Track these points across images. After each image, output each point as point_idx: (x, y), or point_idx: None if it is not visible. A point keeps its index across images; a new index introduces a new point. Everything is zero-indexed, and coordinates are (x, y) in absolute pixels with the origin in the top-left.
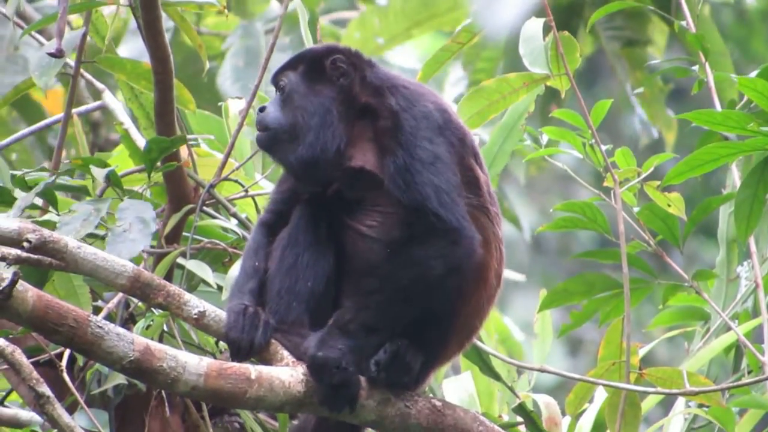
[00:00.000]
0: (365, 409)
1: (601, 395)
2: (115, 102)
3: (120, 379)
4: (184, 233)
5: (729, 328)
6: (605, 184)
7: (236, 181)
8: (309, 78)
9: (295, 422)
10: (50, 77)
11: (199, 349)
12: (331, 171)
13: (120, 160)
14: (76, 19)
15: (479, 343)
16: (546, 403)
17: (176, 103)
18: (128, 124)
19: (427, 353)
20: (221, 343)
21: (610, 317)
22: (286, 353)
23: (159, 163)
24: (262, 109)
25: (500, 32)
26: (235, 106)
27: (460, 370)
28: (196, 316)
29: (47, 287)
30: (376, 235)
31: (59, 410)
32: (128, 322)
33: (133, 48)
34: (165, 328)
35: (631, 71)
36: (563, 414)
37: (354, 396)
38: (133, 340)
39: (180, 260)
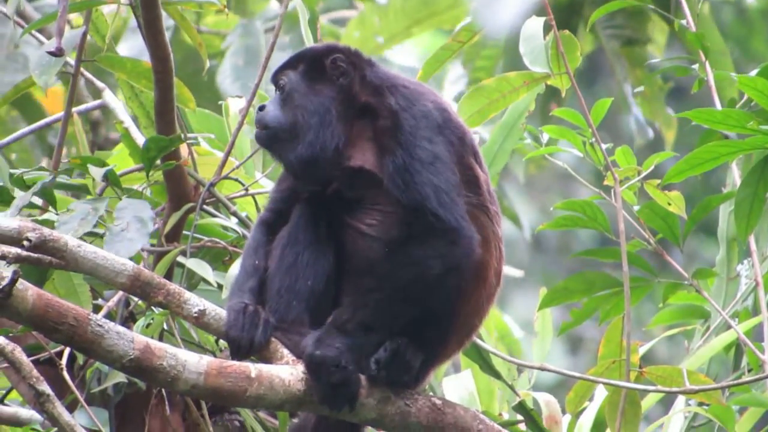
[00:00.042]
0: (365, 408)
1: (601, 393)
2: (116, 101)
3: (120, 377)
4: (184, 232)
5: (729, 327)
6: (605, 182)
7: (236, 180)
8: (309, 77)
9: (295, 420)
10: (50, 76)
11: (199, 348)
12: (330, 170)
13: (120, 159)
14: (76, 18)
15: (479, 342)
16: (546, 402)
17: (176, 102)
18: (128, 122)
19: (427, 352)
20: (221, 342)
21: (610, 315)
22: (286, 352)
23: (159, 162)
24: (261, 108)
25: (500, 31)
26: (235, 105)
27: (460, 369)
28: (196, 315)
29: (47, 286)
30: (376, 234)
31: (59, 408)
32: (128, 320)
33: (133, 46)
34: (165, 327)
35: (630, 70)
36: (563, 412)
37: (354, 394)
38: (133, 339)
39: (180, 259)
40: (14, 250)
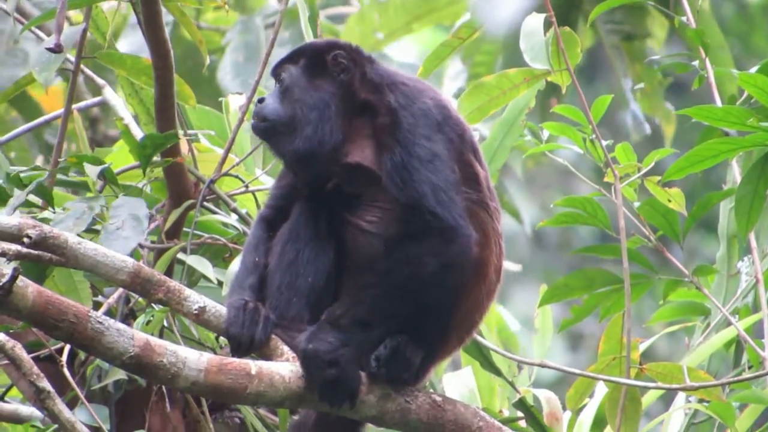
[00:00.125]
0: (365, 405)
1: (601, 390)
2: (116, 98)
3: (120, 374)
4: (184, 229)
5: (729, 324)
6: (606, 179)
7: (236, 177)
8: (309, 72)
9: (296, 418)
10: (50, 73)
11: (199, 345)
12: (327, 165)
13: (120, 156)
14: (76, 15)
15: (480, 338)
16: (546, 398)
17: (176, 99)
18: (129, 119)
19: (427, 348)
20: (221, 339)
21: (611, 312)
22: (286, 348)
23: (159, 158)
24: (261, 101)
25: (500, 27)
26: (235, 102)
27: (460, 365)
28: (196, 312)
29: (47, 283)
30: (376, 231)
31: (60, 405)
32: (128, 317)
33: (132, 43)
34: (165, 324)
35: (630, 65)
36: (564, 409)
37: (354, 391)
38: (133, 336)
39: (180, 256)
40: (14, 247)
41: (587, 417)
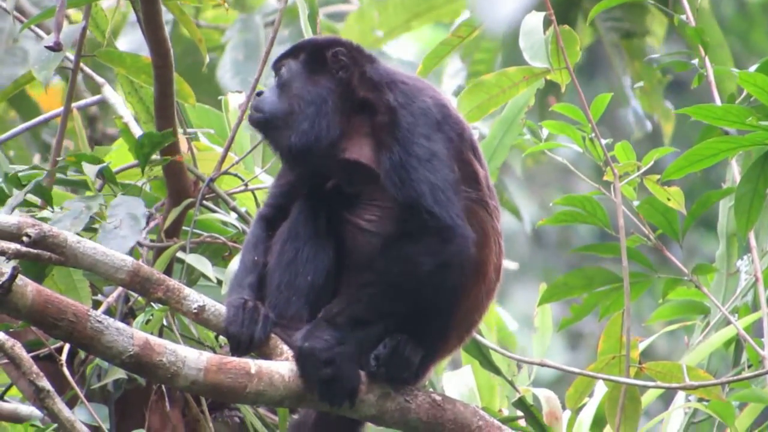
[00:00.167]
0: (365, 404)
1: (601, 389)
2: (115, 96)
3: (120, 373)
4: (183, 227)
5: (729, 322)
6: (605, 178)
7: (236, 175)
8: (309, 68)
9: (295, 417)
10: (50, 71)
11: (198, 344)
12: (323, 161)
13: (120, 154)
14: (75, 13)
15: (479, 337)
16: (546, 397)
17: (176, 97)
18: (128, 118)
19: (427, 348)
20: (221, 338)
21: (610, 311)
22: (285, 348)
23: (158, 157)
24: (259, 94)
25: (499, 26)
26: (234, 100)
27: (460, 364)
28: (195, 311)
29: (47, 282)
30: (375, 230)
31: (59, 404)
32: (128, 316)
33: (132, 41)
34: (165, 323)
35: (629, 62)
36: (563, 408)
37: (353, 390)
38: (132, 335)
39: (180, 254)
40: (14, 246)
41: (587, 416)
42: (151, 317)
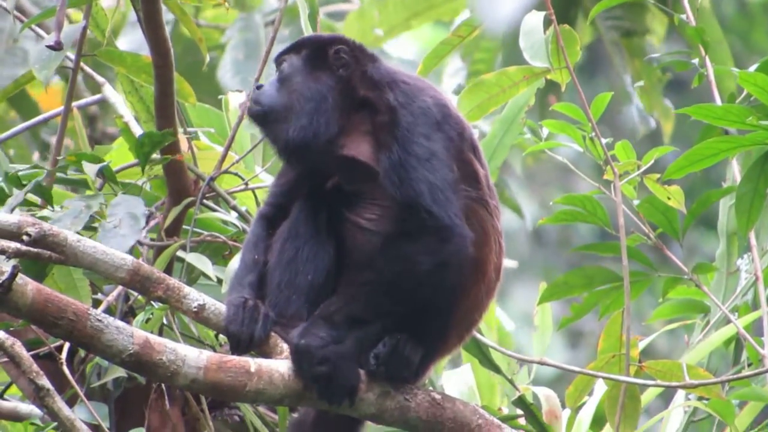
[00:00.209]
0: (364, 403)
1: (601, 388)
2: (116, 95)
3: (120, 372)
4: (184, 226)
5: (729, 321)
6: (605, 177)
7: (236, 174)
8: (310, 64)
9: (295, 415)
10: (50, 71)
11: (198, 342)
12: (321, 157)
13: (120, 154)
14: (74, 13)
15: (479, 336)
16: (546, 396)
17: (176, 97)
18: (128, 117)
19: (427, 346)
20: (221, 336)
21: (610, 310)
22: (285, 346)
23: (159, 156)
24: (259, 87)
25: (499, 25)
26: (235, 100)
27: (460, 363)
28: (195, 309)
29: (47, 280)
30: (375, 229)
31: (59, 403)
32: (128, 315)
33: (132, 40)
34: (165, 322)
35: (629, 60)
36: (563, 406)
37: (353, 389)
38: (132, 334)
39: (180, 253)
40: (14, 245)
41: (586, 415)
42: (151, 316)
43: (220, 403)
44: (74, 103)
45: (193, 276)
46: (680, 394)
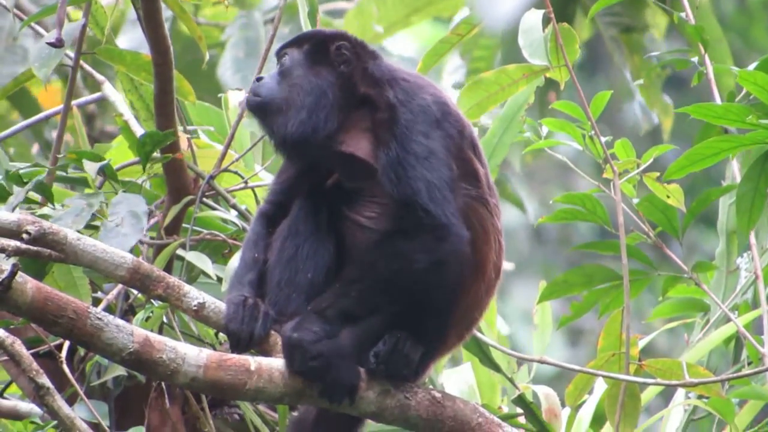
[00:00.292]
0: (365, 401)
1: (600, 386)
2: (115, 93)
3: (120, 370)
4: (183, 224)
5: (729, 320)
6: (605, 175)
7: (236, 173)
8: (311, 58)
9: (295, 414)
10: (50, 68)
11: (198, 341)
12: (320, 152)
13: (119, 152)
14: (74, 11)
15: (479, 335)
16: (545, 394)
17: (176, 95)
18: (128, 115)
19: (427, 345)
20: (221, 335)
21: (610, 308)
22: None
23: (158, 154)
24: (259, 79)
25: (499, 23)
26: (234, 98)
27: (460, 362)
28: (195, 308)
29: (47, 279)
30: (375, 227)
31: (59, 402)
32: (128, 313)
33: (132, 39)
34: (164, 320)
35: (629, 56)
36: (563, 405)
37: (354, 387)
38: (132, 332)
39: (180, 252)
40: (14, 243)
41: (586, 413)
42: (151, 314)
43: (220, 402)
44: (74, 102)
45: (193, 274)
46: (680, 392)
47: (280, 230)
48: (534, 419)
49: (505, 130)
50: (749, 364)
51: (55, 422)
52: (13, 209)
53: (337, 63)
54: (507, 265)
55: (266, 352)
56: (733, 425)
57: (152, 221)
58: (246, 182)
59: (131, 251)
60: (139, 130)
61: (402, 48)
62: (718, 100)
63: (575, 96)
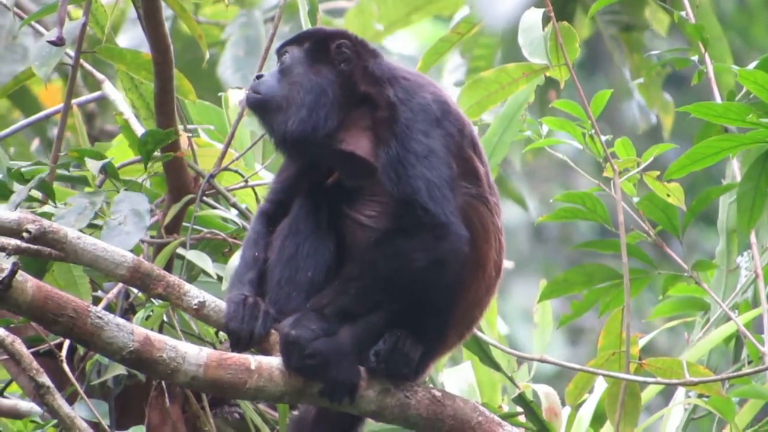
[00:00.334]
0: (365, 400)
1: (601, 385)
2: (115, 92)
3: (120, 369)
4: (184, 223)
5: (729, 319)
6: (605, 174)
7: (236, 172)
8: (312, 57)
9: (296, 413)
10: (50, 67)
11: (198, 340)
12: (319, 150)
13: (120, 150)
14: (74, 10)
15: (479, 334)
16: (546, 393)
17: (176, 94)
18: (129, 114)
19: (427, 344)
20: (221, 334)
21: (610, 307)
22: None
23: (159, 153)
24: (259, 77)
25: (499, 21)
26: (235, 97)
27: (460, 361)
28: (196, 307)
29: (47, 278)
30: (376, 225)
31: (59, 401)
32: (128, 312)
33: (132, 37)
34: (165, 319)
35: (628, 55)
36: (563, 404)
37: (354, 386)
38: (132, 331)
39: (180, 250)
40: (14, 242)
41: (587, 412)
42: (151, 313)
43: (221, 401)
44: (74, 100)
45: (193, 273)
46: (680, 391)
47: (280, 229)
48: (534, 418)
49: (506, 129)
50: (749, 363)
51: (55, 421)
52: (16, 207)
53: (337, 61)
54: (507, 264)
55: (266, 351)
56: (733, 424)
57: (152, 220)
58: (246, 181)
59: (132, 250)
60: (139, 129)
61: (402, 46)
62: (718, 99)
63: (575, 95)
